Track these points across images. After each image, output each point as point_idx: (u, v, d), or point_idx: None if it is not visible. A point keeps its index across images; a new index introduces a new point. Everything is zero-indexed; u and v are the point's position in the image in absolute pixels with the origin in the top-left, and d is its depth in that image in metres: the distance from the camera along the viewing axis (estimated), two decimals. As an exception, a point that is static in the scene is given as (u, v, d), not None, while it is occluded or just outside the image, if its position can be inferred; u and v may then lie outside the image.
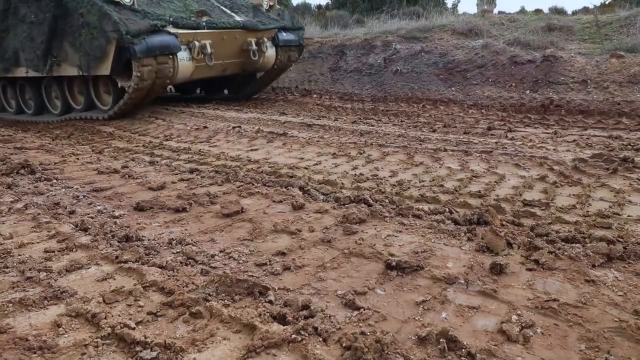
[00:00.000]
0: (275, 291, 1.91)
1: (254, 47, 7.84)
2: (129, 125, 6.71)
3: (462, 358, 1.49)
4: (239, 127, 6.10)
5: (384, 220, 2.73)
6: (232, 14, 7.92)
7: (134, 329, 1.65)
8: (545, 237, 2.38)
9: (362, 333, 1.58)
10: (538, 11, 12.34)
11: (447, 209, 2.85)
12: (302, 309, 1.76)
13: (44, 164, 4.40)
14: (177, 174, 3.94)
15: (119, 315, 1.75)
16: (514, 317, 1.71)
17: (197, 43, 6.90)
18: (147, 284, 1.98)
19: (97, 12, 6.19)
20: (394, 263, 2.10)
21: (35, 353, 1.54)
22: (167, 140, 5.61)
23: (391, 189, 3.34)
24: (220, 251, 2.35)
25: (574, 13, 12.29)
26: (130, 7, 6.36)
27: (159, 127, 6.52)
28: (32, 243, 2.48)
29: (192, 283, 1.98)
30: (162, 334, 1.63)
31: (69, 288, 1.95)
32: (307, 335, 1.59)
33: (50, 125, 7.47)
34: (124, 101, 6.74)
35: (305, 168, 4.01)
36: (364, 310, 1.77)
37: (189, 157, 4.61)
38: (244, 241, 2.49)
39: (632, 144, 4.46)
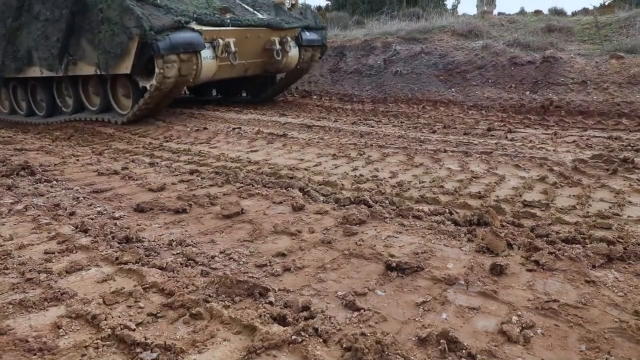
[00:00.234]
0: (275, 292, 1.91)
1: (278, 46, 7.47)
2: (129, 126, 6.71)
3: (463, 359, 1.49)
4: (239, 128, 6.11)
5: (384, 221, 2.73)
6: (254, 11, 7.53)
7: (134, 330, 1.65)
8: (545, 238, 2.38)
9: (363, 334, 1.58)
10: (538, 12, 12.35)
11: (447, 210, 2.85)
12: (303, 310, 1.76)
13: (44, 165, 4.41)
14: (177, 175, 3.94)
15: (119, 317, 1.75)
16: (515, 318, 1.71)
17: (220, 41, 6.52)
18: (148, 285, 1.98)
19: (118, 7, 5.84)
20: (394, 264, 2.10)
21: (35, 355, 1.54)
22: (167, 141, 5.61)
23: (391, 190, 3.34)
24: (221, 252, 2.35)
25: (574, 14, 12.29)
26: (153, 2, 6.02)
27: (158, 128, 6.52)
28: (32, 244, 2.48)
29: (192, 284, 1.98)
30: (162, 335, 1.63)
31: (69, 289, 1.95)
32: (307, 336, 1.59)
33: (51, 127, 7.47)
34: (143, 102, 6.40)
35: (305, 169, 4.02)
36: (364, 311, 1.77)
37: (189, 159, 4.61)
38: (244, 242, 2.49)
39: (631, 145, 4.46)
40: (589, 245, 2.27)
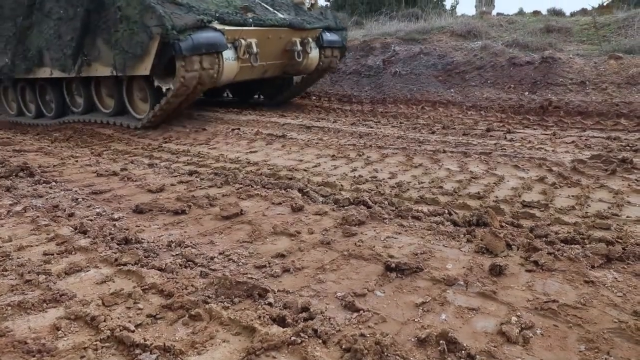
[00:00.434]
0: (274, 293, 1.91)
1: (299, 47, 7.15)
2: (129, 126, 6.70)
3: (462, 359, 1.50)
4: (238, 129, 6.11)
5: (383, 222, 2.73)
6: (275, 11, 7.15)
7: (133, 331, 1.65)
8: (544, 238, 2.38)
9: (362, 335, 1.58)
10: (536, 13, 12.36)
11: (446, 211, 2.85)
12: (302, 311, 1.76)
13: (43, 166, 4.40)
14: (176, 177, 3.94)
15: (118, 318, 1.75)
16: (514, 319, 1.71)
17: (242, 41, 6.20)
18: (147, 287, 1.97)
19: (138, 5, 5.56)
20: (393, 265, 2.10)
21: (34, 356, 1.53)
22: (166, 142, 5.61)
23: (390, 191, 3.34)
24: (220, 253, 2.35)
25: (572, 14, 12.29)
26: (174, 1, 5.72)
27: (157, 129, 6.52)
28: (31, 246, 2.48)
29: (192, 285, 1.98)
30: (161, 337, 1.63)
31: (68, 291, 1.95)
32: (306, 337, 1.59)
33: (49, 128, 7.46)
34: (161, 105, 6.10)
35: (305, 170, 4.02)
36: (364, 312, 1.77)
37: (188, 160, 4.61)
38: (243, 243, 2.49)
39: (630, 145, 4.47)
40: (588, 246, 2.27)
